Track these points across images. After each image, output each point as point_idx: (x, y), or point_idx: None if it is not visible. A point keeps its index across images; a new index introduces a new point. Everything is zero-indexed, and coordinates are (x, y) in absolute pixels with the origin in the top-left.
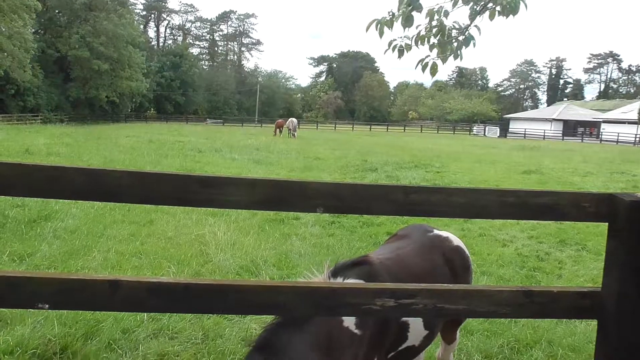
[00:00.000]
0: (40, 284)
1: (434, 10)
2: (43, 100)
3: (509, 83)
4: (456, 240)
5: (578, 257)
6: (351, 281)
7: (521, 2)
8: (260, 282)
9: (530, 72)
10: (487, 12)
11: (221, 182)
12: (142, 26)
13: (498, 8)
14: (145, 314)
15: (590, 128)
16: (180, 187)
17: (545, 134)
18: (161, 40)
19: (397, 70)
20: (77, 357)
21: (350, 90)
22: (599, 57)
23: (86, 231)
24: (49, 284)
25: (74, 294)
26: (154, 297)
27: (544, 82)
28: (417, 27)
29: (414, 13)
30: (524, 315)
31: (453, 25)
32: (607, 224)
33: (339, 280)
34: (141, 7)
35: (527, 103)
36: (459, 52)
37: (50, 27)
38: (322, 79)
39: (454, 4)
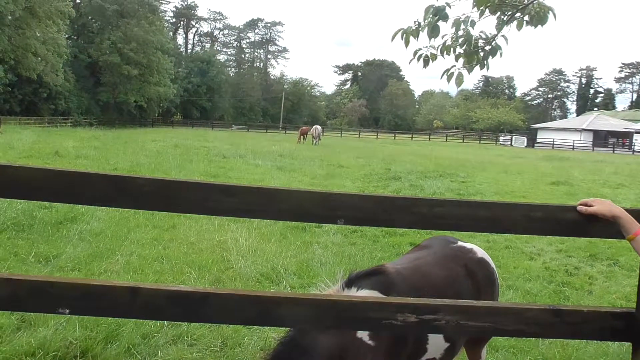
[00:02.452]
0: (63, 289)
1: (460, 20)
2: (74, 104)
3: (536, 92)
4: (480, 252)
5: (609, 272)
6: (366, 291)
7: (550, 12)
8: (281, 294)
9: (559, 82)
10: (515, 22)
11: (244, 192)
12: (171, 33)
13: (526, 18)
14: None
15: (623, 139)
16: (203, 196)
17: (575, 145)
18: (189, 46)
19: (423, 79)
20: None
21: (375, 98)
22: (631, 66)
23: (110, 234)
24: (71, 289)
25: (94, 300)
26: (173, 306)
27: (574, 92)
28: (442, 37)
29: (439, 23)
30: (553, 335)
31: (479, 35)
32: None
33: (353, 290)
34: (171, 14)
35: (555, 113)
36: (485, 62)
37: (83, 33)
38: (347, 86)
39: (481, 14)
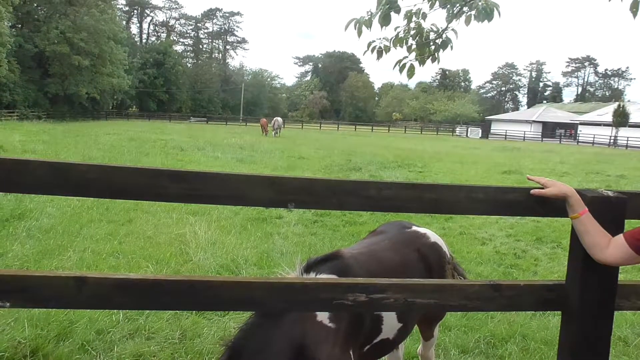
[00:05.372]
0: (2, 281)
1: (412, 11)
2: (20, 96)
3: (490, 85)
4: (434, 237)
5: (553, 254)
6: (323, 276)
7: (495, 9)
8: (232, 278)
9: (511, 75)
10: (464, 17)
11: (192, 177)
12: (124, 22)
13: (474, 12)
14: (121, 314)
15: (569, 130)
16: (151, 182)
17: (525, 136)
18: (144, 36)
19: (382, 72)
20: (49, 359)
21: (335, 90)
22: (577, 61)
23: (62, 230)
24: (11, 281)
25: (37, 292)
26: (122, 294)
27: (525, 85)
28: (395, 29)
29: (392, 14)
30: (493, 308)
31: (431, 28)
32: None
33: (312, 275)
34: (124, 2)
35: (508, 105)
36: (436, 54)
37: (28, 21)
38: (308, 78)
39: (431, 6)
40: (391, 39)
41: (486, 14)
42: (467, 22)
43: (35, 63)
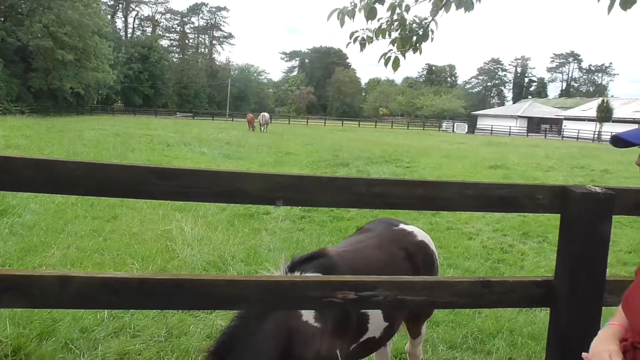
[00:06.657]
0: None
1: (396, 3)
2: (2, 90)
3: (476, 80)
4: (421, 235)
5: (539, 248)
6: (309, 275)
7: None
8: (220, 277)
9: (497, 70)
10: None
11: (181, 174)
12: (109, 16)
13: (454, 1)
14: (106, 312)
15: (557, 125)
16: (138, 179)
17: (511, 131)
18: (129, 30)
19: (369, 67)
20: (31, 359)
21: (322, 85)
22: (561, 57)
23: (45, 227)
24: None
25: (20, 292)
26: (108, 293)
27: (510, 80)
28: (378, 20)
29: (376, 5)
30: (482, 305)
31: (414, 20)
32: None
33: (296, 274)
34: None
35: (494, 100)
36: (418, 45)
37: (10, 14)
38: (294, 73)
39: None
40: (374, 30)
41: (467, 4)
42: (447, 9)
43: (18, 57)
